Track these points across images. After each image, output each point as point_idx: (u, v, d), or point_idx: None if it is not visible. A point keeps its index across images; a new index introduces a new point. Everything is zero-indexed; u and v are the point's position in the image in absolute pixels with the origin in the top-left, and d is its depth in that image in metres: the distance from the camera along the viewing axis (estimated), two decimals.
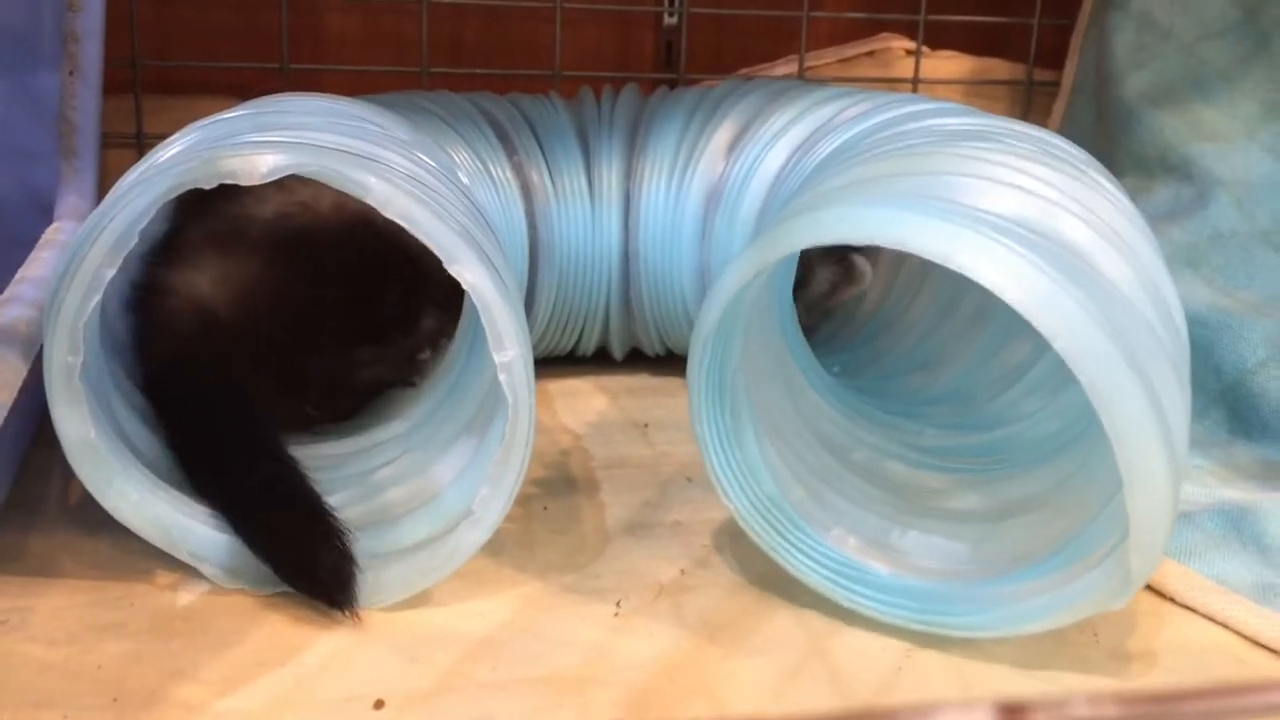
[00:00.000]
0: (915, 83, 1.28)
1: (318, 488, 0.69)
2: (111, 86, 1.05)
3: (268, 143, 0.63)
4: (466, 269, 0.62)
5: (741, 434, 0.70)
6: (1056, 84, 1.25)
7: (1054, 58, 1.27)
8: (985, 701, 0.19)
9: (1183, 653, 0.68)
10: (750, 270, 0.64)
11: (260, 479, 0.70)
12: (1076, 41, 1.23)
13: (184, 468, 0.71)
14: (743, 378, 0.70)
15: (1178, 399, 0.59)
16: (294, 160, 0.61)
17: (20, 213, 0.99)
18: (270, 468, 0.70)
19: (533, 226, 0.97)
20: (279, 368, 0.78)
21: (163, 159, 0.66)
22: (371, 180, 0.62)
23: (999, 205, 0.60)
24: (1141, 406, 0.56)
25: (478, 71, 1.20)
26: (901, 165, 0.66)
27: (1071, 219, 0.60)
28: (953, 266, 0.57)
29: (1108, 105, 1.13)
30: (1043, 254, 0.57)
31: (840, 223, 0.60)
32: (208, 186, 0.61)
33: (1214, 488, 0.83)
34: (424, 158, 0.72)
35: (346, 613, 0.66)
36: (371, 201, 0.62)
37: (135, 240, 0.61)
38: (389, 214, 0.62)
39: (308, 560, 0.67)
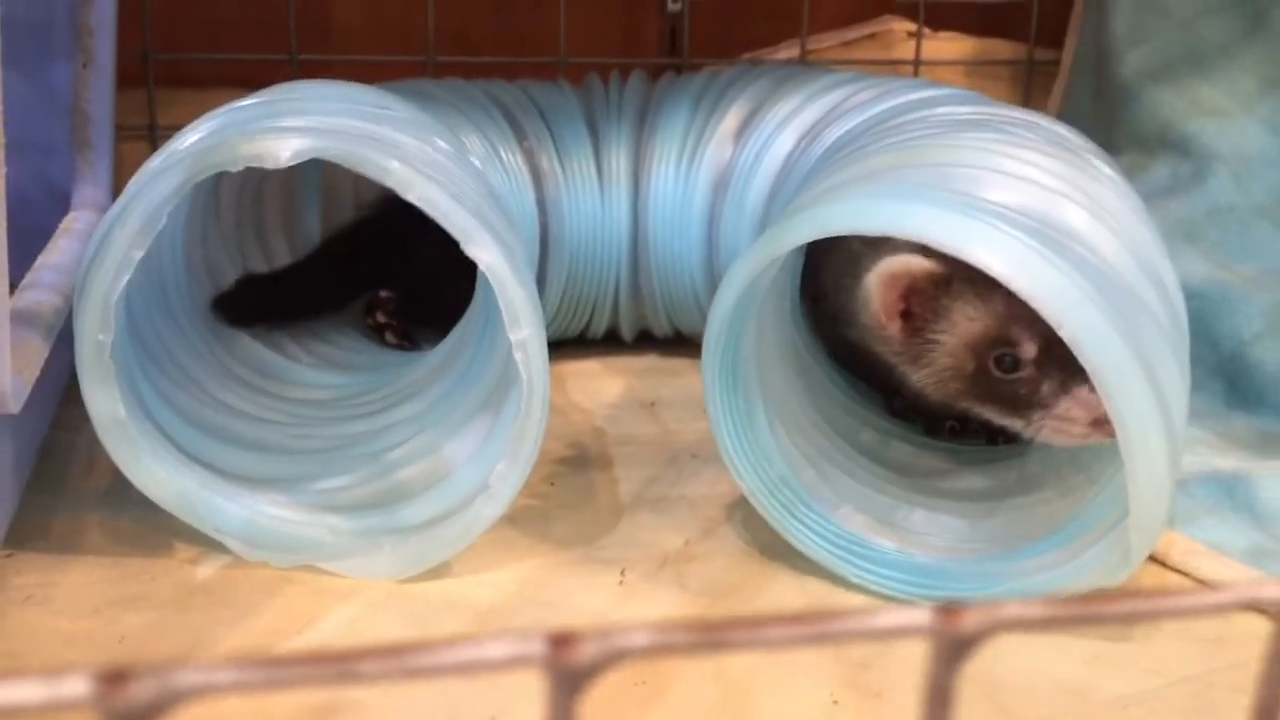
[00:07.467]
0: (917, 64, 1.28)
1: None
2: (123, 80, 1.05)
3: (292, 128, 0.64)
4: (483, 250, 0.64)
5: (753, 417, 0.72)
6: (1058, 63, 1.26)
7: (1055, 36, 1.28)
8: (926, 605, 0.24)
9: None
10: (762, 261, 0.65)
11: None
12: (1075, 20, 1.24)
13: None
14: (754, 362, 0.72)
15: (1178, 383, 0.61)
16: (318, 144, 0.63)
17: (38, 204, 0.99)
18: None
19: (543, 212, 0.98)
20: None
21: (184, 145, 0.67)
22: (394, 164, 0.63)
23: (1005, 196, 0.62)
24: (1144, 393, 0.57)
25: (484, 59, 1.21)
26: (909, 157, 0.68)
27: (1073, 207, 0.62)
28: (965, 258, 0.59)
29: (1107, 83, 1.13)
30: (1049, 244, 0.59)
31: (852, 214, 0.63)
32: (233, 169, 0.63)
33: (1207, 456, 0.84)
34: (439, 142, 0.74)
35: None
36: (392, 184, 0.64)
37: (163, 223, 0.63)
38: (409, 196, 0.64)
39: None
